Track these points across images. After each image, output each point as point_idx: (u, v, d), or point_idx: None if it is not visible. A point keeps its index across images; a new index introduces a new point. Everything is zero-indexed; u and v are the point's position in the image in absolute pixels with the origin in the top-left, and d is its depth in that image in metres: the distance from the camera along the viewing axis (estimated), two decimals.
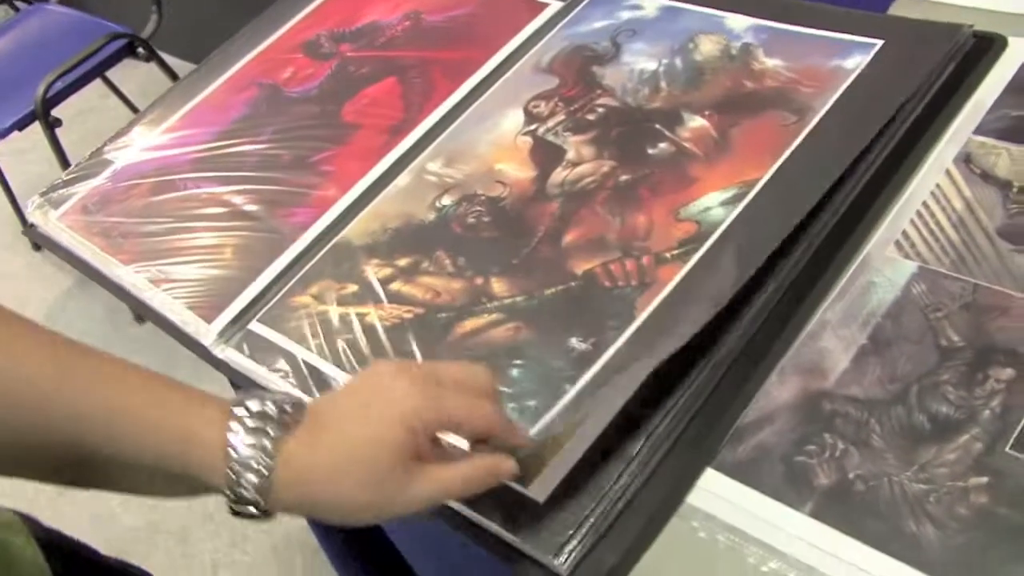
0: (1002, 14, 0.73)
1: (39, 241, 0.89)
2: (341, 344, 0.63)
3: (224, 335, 0.69)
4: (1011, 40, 0.70)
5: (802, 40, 0.72)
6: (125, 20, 2.02)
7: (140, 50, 1.80)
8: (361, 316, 0.65)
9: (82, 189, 0.88)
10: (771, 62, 0.72)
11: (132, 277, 0.76)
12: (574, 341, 0.57)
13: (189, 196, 0.81)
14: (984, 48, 0.69)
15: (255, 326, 0.68)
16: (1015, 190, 0.61)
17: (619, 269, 0.61)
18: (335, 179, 0.76)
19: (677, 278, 0.58)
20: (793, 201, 0.61)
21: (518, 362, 0.58)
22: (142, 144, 0.90)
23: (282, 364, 0.64)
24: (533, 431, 0.53)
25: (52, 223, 0.86)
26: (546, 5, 0.84)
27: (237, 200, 0.78)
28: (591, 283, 0.61)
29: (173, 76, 1.90)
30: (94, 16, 1.99)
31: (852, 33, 0.72)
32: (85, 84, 1.83)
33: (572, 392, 0.54)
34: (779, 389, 0.55)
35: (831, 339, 0.56)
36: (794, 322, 0.57)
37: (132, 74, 2.42)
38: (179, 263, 0.75)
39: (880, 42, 0.70)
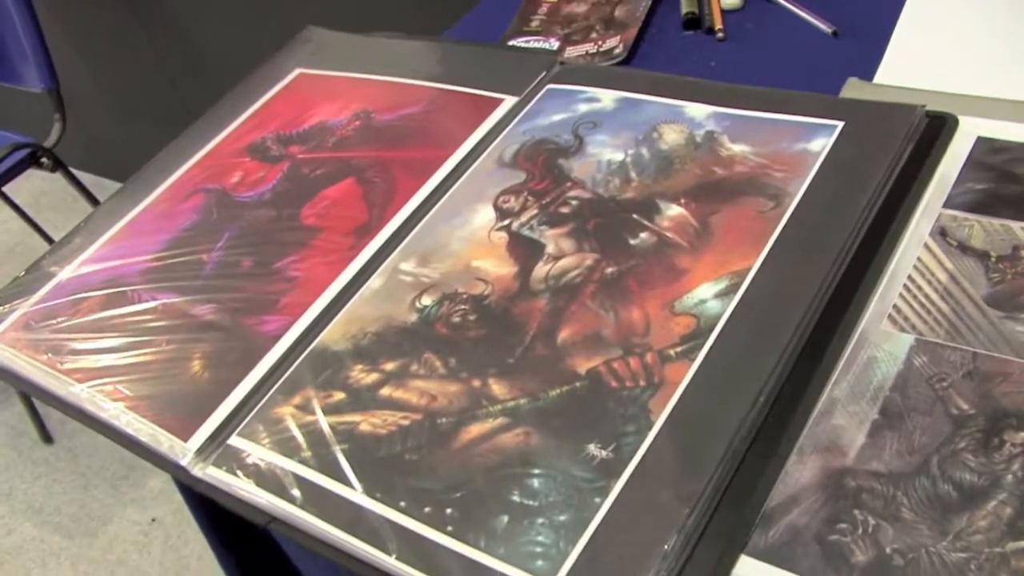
0: (948, 95, 0.77)
1: None
2: (337, 455, 0.61)
3: (203, 452, 0.66)
4: (961, 119, 0.73)
5: (764, 125, 0.74)
6: (19, 129, 1.97)
7: (44, 160, 1.74)
8: (353, 425, 0.63)
9: (22, 305, 0.84)
10: (737, 148, 0.73)
11: (90, 395, 0.73)
12: (592, 448, 0.57)
13: (145, 308, 0.78)
14: (938, 127, 0.72)
15: (236, 441, 0.65)
16: (993, 259, 0.63)
17: (624, 368, 0.60)
18: (303, 284, 0.75)
19: (687, 377, 0.58)
20: (789, 289, 0.62)
21: (536, 471, 0.56)
22: (85, 256, 0.87)
23: (272, 480, 0.61)
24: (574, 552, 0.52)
25: None
26: (500, 100, 0.85)
27: (199, 310, 0.76)
28: (597, 383, 0.60)
29: (80, 187, 1.85)
30: None
31: (812, 116, 0.74)
32: None
33: (604, 507, 0.53)
34: (800, 469, 0.55)
35: (843, 416, 0.57)
36: (804, 402, 0.58)
37: (23, 185, 2.35)
38: (142, 379, 0.72)
39: (840, 123, 0.72)
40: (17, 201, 2.33)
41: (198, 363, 0.71)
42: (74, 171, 1.92)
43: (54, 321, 0.80)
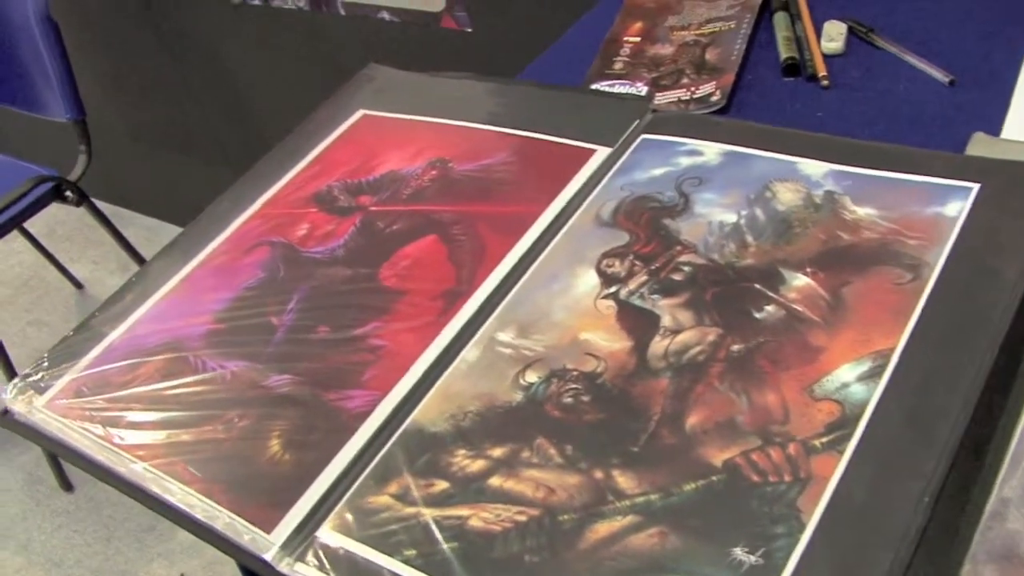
0: None
1: (16, 431, 0.81)
2: (446, 554, 0.57)
3: (289, 546, 0.61)
4: None
5: (890, 186, 0.70)
6: (36, 159, 1.94)
7: (68, 194, 1.71)
8: (462, 520, 0.58)
9: (72, 369, 0.80)
10: (863, 211, 0.69)
11: (155, 475, 0.68)
12: (739, 552, 0.52)
13: (210, 377, 0.74)
14: None
15: (326, 535, 0.61)
16: None
17: (765, 461, 0.56)
18: (390, 355, 0.70)
19: (838, 472, 0.54)
20: (940, 374, 0.57)
21: None
22: (138, 315, 0.83)
23: None
24: None
25: (38, 411, 0.77)
26: (592, 151, 0.81)
27: (273, 382, 0.72)
28: (736, 477, 0.56)
29: (103, 220, 1.81)
30: (12, 158, 1.90)
31: (942, 177, 0.70)
32: (9, 231, 1.73)
33: None
34: None
35: (1019, 519, 0.52)
36: (971, 504, 0.53)
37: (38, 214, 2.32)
38: (214, 459, 0.68)
39: (976, 185, 0.68)
40: (31, 231, 2.31)
41: (277, 442, 0.67)
42: (102, 203, 1.89)
43: (109, 388, 0.76)
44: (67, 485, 1.86)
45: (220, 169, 2.22)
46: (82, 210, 1.91)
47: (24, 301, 2.39)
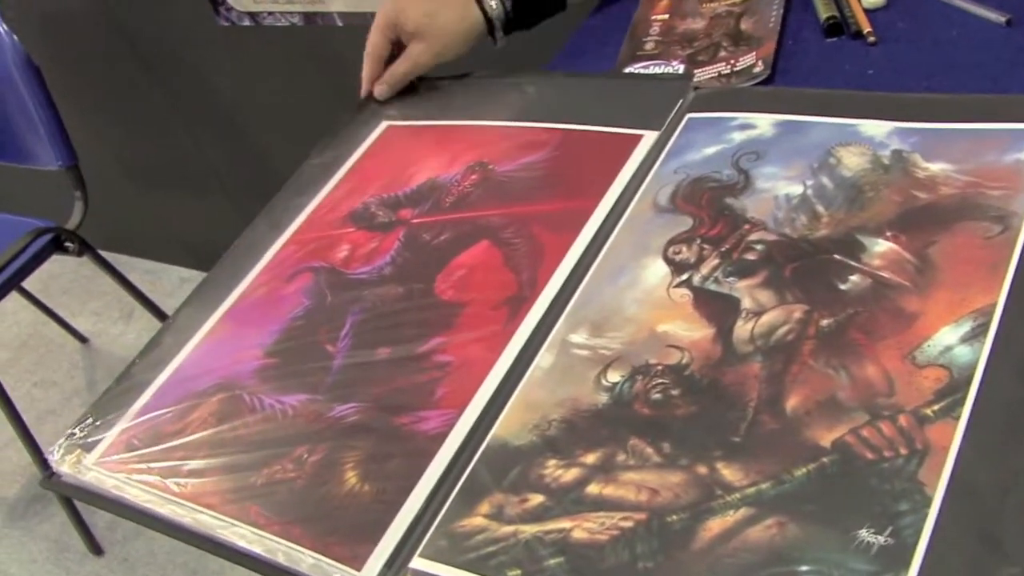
0: None
1: (67, 493, 0.81)
2: (554, 571, 0.57)
3: None
4: None
5: (960, 137, 0.71)
6: (29, 212, 1.94)
7: (68, 244, 1.71)
8: (564, 533, 0.59)
9: (119, 421, 0.80)
10: (936, 166, 0.70)
11: (225, 523, 0.69)
12: (865, 534, 0.52)
13: (270, 415, 0.74)
14: None
15: (421, 564, 0.61)
16: None
17: (876, 436, 0.56)
18: (459, 370, 0.71)
19: (957, 439, 0.54)
20: None
21: (804, 568, 0.52)
22: (180, 358, 0.84)
23: None
24: None
25: (88, 469, 0.78)
26: (639, 137, 0.82)
27: (339, 411, 0.72)
28: (849, 457, 0.56)
29: (108, 268, 1.82)
30: (4, 214, 1.91)
31: (1015, 121, 0.70)
32: (10, 290, 1.74)
33: None
34: None
35: None
36: None
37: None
38: (288, 499, 0.68)
39: None
40: (27, 287, 2.31)
41: (353, 474, 0.68)
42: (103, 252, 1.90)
43: (162, 438, 0.76)
44: (96, 549, 1.87)
45: (220, 203, 2.23)
46: (77, 261, 1.92)
47: (27, 362, 2.40)
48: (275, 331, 0.81)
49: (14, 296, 2.23)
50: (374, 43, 0.97)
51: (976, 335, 0.59)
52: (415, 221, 0.84)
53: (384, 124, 0.98)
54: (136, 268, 2.40)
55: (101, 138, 2.23)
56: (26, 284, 2.28)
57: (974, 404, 0.56)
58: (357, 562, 0.63)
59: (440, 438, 0.67)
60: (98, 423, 0.81)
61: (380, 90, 0.99)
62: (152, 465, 0.75)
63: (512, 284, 0.75)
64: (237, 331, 0.83)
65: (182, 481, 0.73)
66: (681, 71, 0.91)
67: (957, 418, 0.56)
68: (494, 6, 0.94)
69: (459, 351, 0.72)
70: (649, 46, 0.94)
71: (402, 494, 0.65)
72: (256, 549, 0.67)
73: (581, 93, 0.89)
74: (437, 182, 0.87)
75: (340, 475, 0.68)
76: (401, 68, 0.97)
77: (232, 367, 0.80)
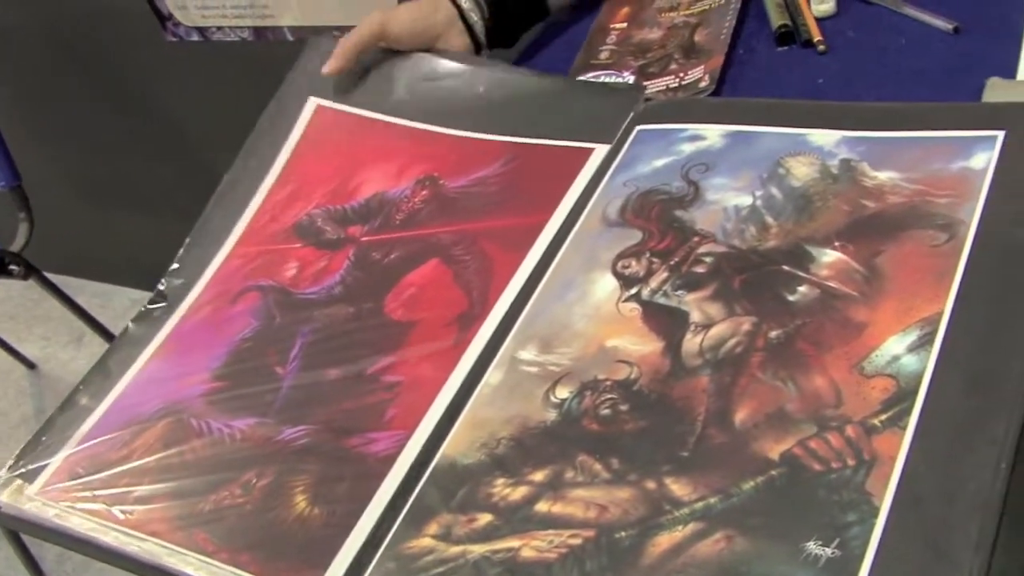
0: None
1: (9, 525, 0.82)
2: None
3: None
4: None
5: (908, 146, 0.73)
6: None
7: (13, 268, 1.71)
8: (513, 552, 0.60)
9: (62, 450, 0.81)
10: (884, 175, 0.71)
11: (171, 550, 0.69)
12: (812, 547, 0.54)
13: (217, 439, 0.75)
14: None
15: None
16: None
17: (824, 447, 0.58)
18: (409, 390, 0.72)
19: (903, 449, 0.56)
20: (994, 332, 0.59)
21: None
22: (124, 384, 0.84)
23: None
24: None
25: (30, 500, 0.78)
26: (590, 150, 0.83)
27: (288, 435, 0.73)
28: (797, 469, 0.57)
29: (56, 291, 1.81)
30: None
31: (962, 129, 0.72)
32: None
33: None
34: None
35: None
36: None
37: None
38: (237, 525, 0.69)
39: (1000, 133, 0.70)
40: None
41: (302, 498, 0.69)
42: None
43: (107, 465, 0.77)
44: None
45: (171, 222, 2.21)
46: (23, 285, 1.90)
47: None
48: (222, 353, 0.82)
49: None
50: (359, 34, 0.96)
51: (923, 344, 0.61)
52: (364, 239, 0.86)
53: (312, 103, 0.97)
54: (85, 291, 2.39)
55: (48, 158, 2.22)
56: None
57: (920, 413, 0.57)
58: None
59: (390, 460, 0.68)
60: (40, 451, 0.81)
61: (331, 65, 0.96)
62: (97, 493, 0.76)
63: (462, 302, 0.76)
64: (183, 353, 0.84)
65: (128, 508, 0.73)
66: (631, 82, 0.92)
67: (904, 427, 0.57)
68: (475, 20, 0.95)
69: (409, 370, 0.73)
70: (604, 55, 0.96)
71: (352, 517, 0.66)
72: None
73: (533, 102, 0.90)
74: (386, 197, 0.88)
75: (289, 499, 0.69)
76: (355, 36, 0.97)
77: (179, 391, 0.81)
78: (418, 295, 0.78)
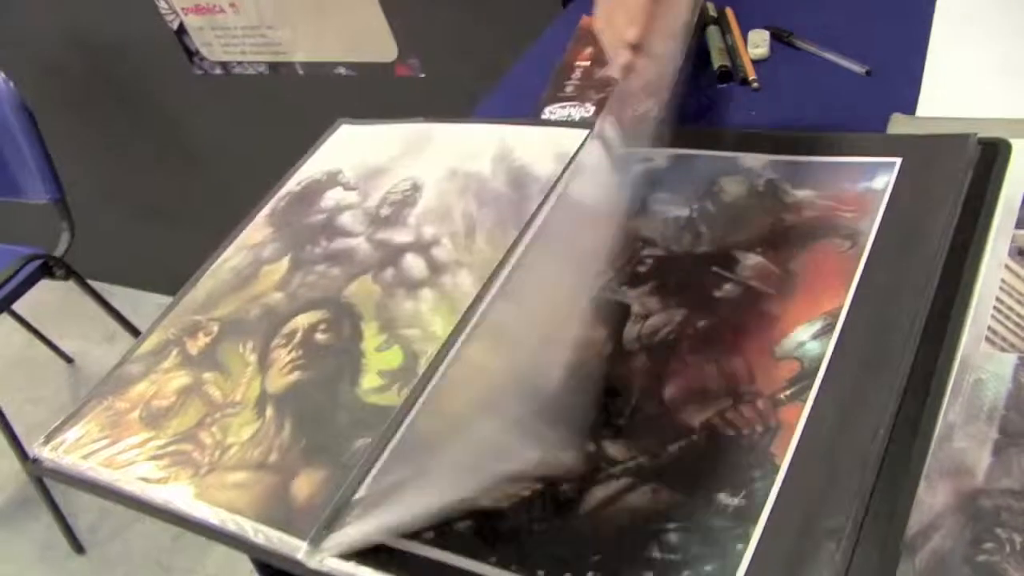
0: (993, 120, 0.79)
1: (46, 476, 0.85)
2: (462, 531, 0.62)
3: (317, 542, 0.65)
4: (1013, 142, 0.75)
5: (823, 169, 0.77)
6: (22, 239, 1.97)
7: (56, 271, 1.74)
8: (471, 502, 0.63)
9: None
10: (801, 193, 0.75)
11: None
12: (723, 497, 0.57)
13: None
14: (992, 153, 0.74)
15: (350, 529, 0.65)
16: None
17: (738, 417, 0.61)
18: None
19: (803, 418, 0.60)
20: (883, 323, 0.63)
21: (672, 526, 0.57)
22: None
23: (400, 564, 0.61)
24: None
25: (67, 454, 0.81)
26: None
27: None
28: (714, 434, 0.61)
29: (93, 294, 1.84)
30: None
31: (868, 155, 0.76)
32: (1, 313, 1.76)
33: (749, 552, 0.54)
34: (932, 496, 0.56)
35: (963, 439, 0.58)
36: (922, 430, 0.59)
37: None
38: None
39: (898, 160, 0.74)
40: (18, 311, 2.33)
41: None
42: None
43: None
44: (79, 548, 1.88)
45: (195, 234, 2.25)
46: (64, 288, 1.94)
47: (18, 380, 2.42)
48: None
49: (6, 319, 2.25)
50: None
51: (825, 332, 0.64)
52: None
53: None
54: (117, 294, 2.42)
55: (88, 175, 2.26)
56: (17, 308, 2.31)
57: (819, 389, 0.61)
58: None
59: None
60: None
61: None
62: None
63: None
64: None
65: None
66: (591, 113, 0.96)
67: (805, 401, 0.61)
68: None
69: None
70: (569, 89, 1.00)
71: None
72: (203, 516, 0.70)
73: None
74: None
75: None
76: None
77: None
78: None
